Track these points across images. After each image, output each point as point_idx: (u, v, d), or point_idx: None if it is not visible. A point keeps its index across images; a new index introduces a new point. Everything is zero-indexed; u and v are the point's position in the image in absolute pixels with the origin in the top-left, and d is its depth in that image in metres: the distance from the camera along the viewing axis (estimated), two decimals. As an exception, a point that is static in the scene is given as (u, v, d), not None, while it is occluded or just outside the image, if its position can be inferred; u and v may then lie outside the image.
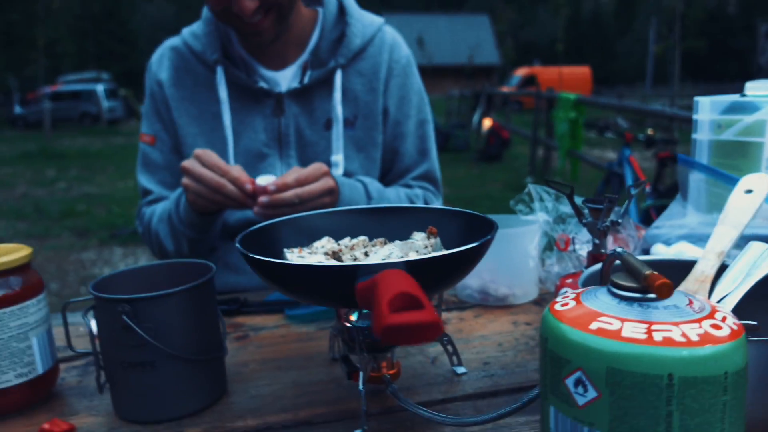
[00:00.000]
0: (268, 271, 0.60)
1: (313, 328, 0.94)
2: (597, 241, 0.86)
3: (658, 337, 0.41)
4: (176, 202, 1.15)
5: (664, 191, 4.16)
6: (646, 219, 4.21)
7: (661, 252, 1.03)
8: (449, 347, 0.77)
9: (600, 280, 0.56)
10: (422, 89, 1.35)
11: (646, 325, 0.42)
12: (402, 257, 0.63)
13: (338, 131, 1.23)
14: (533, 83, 27.77)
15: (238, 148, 1.23)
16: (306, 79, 1.22)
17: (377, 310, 0.45)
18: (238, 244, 0.64)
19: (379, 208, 0.81)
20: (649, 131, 4.79)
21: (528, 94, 9.17)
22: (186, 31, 1.29)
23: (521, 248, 0.97)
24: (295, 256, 0.71)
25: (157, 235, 1.24)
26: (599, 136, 4.99)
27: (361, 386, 0.64)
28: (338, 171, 1.24)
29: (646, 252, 1.09)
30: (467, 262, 0.60)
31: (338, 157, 1.24)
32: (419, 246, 0.67)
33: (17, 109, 23.88)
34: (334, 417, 0.68)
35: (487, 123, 11.33)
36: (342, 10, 1.27)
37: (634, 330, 0.41)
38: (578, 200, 0.87)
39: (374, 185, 1.21)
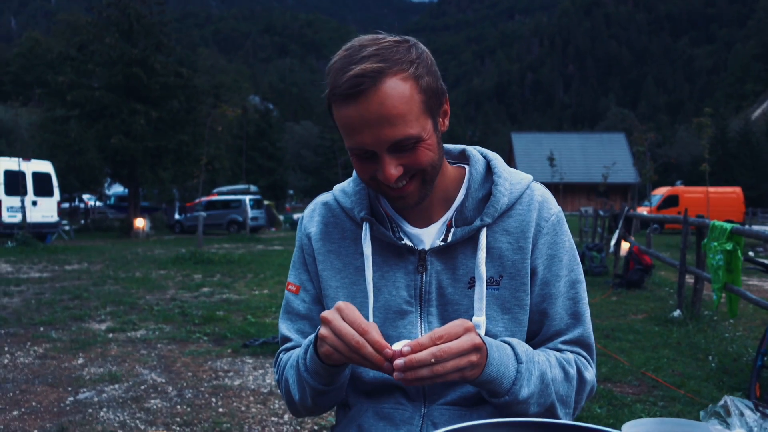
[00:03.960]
0: None
1: None
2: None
3: None
4: (305, 349, 1.14)
5: None
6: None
7: None
8: None
9: None
10: (573, 247, 1.27)
11: None
12: None
13: (481, 291, 1.17)
14: (675, 203, 26.37)
15: (378, 303, 1.22)
16: (450, 238, 1.20)
17: None
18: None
19: (554, 425, 0.70)
20: (828, 272, 4.20)
21: (674, 220, 8.59)
22: (337, 188, 1.34)
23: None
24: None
25: (287, 382, 1.24)
26: (765, 274, 4.46)
27: None
28: (480, 333, 1.17)
29: None
30: None
31: (480, 318, 1.18)
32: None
33: (176, 216, 26.80)
34: None
35: (626, 246, 10.72)
36: (489, 169, 1.26)
37: None
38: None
39: (522, 347, 1.12)
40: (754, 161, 49.00)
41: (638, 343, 5.81)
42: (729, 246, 5.62)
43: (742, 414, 0.83)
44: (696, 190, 27.16)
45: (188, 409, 4.16)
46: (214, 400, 4.36)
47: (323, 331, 1.03)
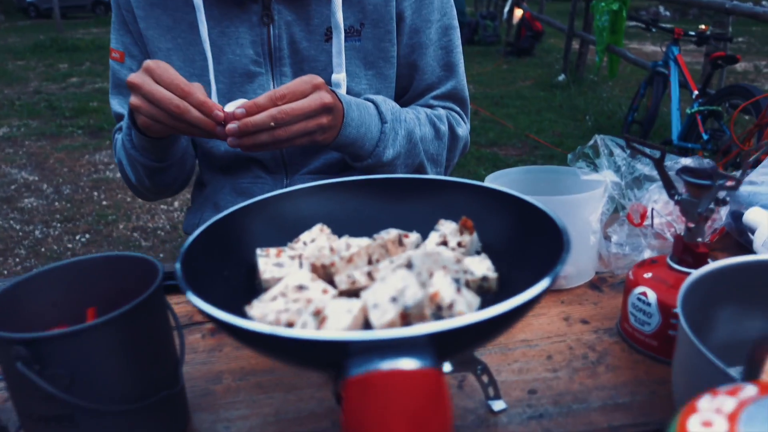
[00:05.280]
0: (225, 330, 0.39)
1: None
2: (692, 226, 0.63)
3: None
4: (127, 124, 0.95)
5: (715, 96, 3.77)
6: (691, 127, 3.86)
7: (762, 219, 0.79)
8: (484, 377, 0.57)
9: (746, 371, 0.34)
10: None
11: None
12: (421, 301, 0.41)
13: (339, 44, 0.99)
14: (570, -33, 25.90)
15: (221, 65, 1.02)
16: None
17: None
18: (178, 264, 0.43)
19: (394, 181, 0.59)
20: (702, 27, 4.29)
21: (566, -20, 8.39)
22: None
23: (579, 219, 0.75)
24: (269, 265, 0.50)
25: (121, 164, 1.06)
26: (644, 31, 4.52)
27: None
28: (340, 92, 1.01)
29: (738, 217, 0.85)
30: (519, 315, 0.38)
31: (340, 76, 1.01)
32: (448, 260, 0.46)
33: (28, -3, 23.12)
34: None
35: (519, 13, 10.54)
36: None
37: None
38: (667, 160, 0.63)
39: (387, 105, 0.99)
40: None
41: (524, 108, 5.99)
42: (615, 6, 5.62)
43: (611, 153, 0.76)
44: (591, -48, 26.62)
45: (68, 205, 3.94)
46: (96, 193, 4.14)
47: (133, 99, 0.82)
